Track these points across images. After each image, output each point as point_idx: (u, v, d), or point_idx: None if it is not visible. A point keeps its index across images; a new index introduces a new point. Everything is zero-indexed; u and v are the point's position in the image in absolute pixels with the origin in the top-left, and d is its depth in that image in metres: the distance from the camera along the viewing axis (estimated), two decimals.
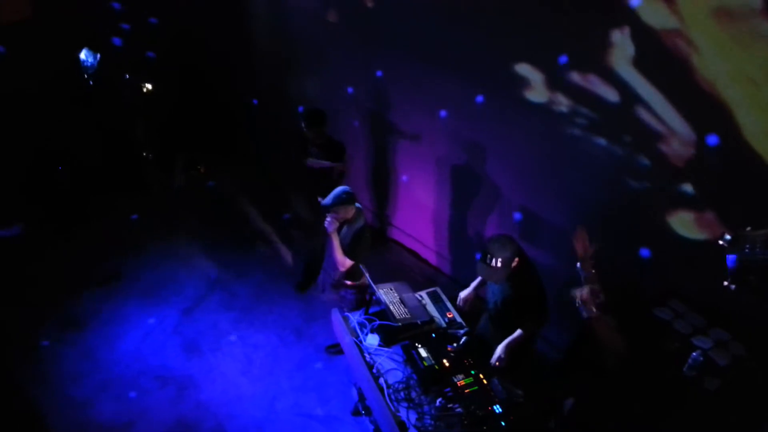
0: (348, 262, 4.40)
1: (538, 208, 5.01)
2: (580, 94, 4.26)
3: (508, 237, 3.79)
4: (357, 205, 4.40)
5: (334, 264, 4.54)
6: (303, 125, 5.25)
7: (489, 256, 3.64)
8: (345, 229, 4.43)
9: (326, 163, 5.32)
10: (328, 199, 4.26)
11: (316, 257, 5.95)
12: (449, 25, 4.98)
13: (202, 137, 7.82)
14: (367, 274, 4.24)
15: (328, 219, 4.29)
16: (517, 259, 3.71)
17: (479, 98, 5.02)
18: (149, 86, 6.99)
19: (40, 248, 6.21)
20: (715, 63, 3.50)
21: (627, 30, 3.82)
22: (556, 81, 4.38)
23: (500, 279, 3.80)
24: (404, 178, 6.21)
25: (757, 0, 3.23)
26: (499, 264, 3.63)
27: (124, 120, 6.99)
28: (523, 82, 4.59)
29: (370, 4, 5.66)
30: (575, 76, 4.23)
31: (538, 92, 4.54)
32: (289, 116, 7.06)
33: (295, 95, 7.06)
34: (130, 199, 7.04)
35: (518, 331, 3.90)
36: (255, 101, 7.57)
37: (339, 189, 4.31)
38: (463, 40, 4.92)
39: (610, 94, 4.06)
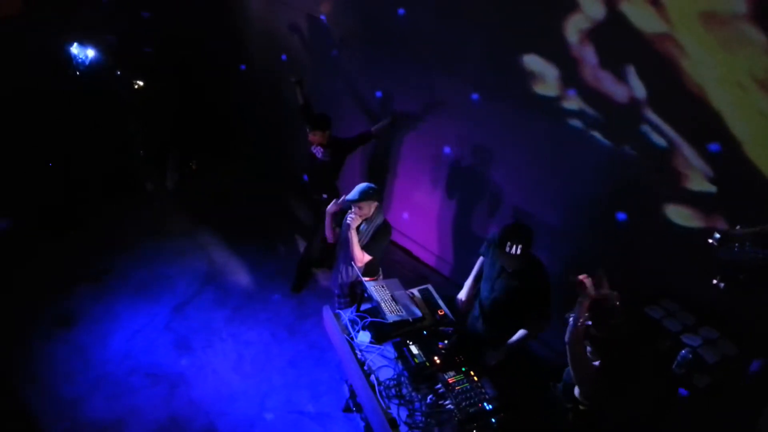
0: (367, 258, 4.33)
1: (533, 207, 5.02)
2: (586, 93, 4.25)
3: (523, 224, 3.78)
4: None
5: (349, 261, 4.46)
6: (308, 129, 5.39)
7: (509, 243, 3.59)
8: (363, 225, 4.36)
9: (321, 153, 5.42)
10: (353, 194, 4.18)
11: (309, 257, 5.96)
12: (447, 20, 4.98)
13: (195, 134, 7.79)
14: (359, 272, 4.24)
15: (351, 215, 4.22)
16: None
17: (475, 96, 5.02)
18: (141, 83, 6.95)
19: (31, 245, 6.18)
20: (704, 67, 3.52)
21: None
22: (565, 77, 4.34)
23: (518, 266, 3.76)
24: (404, 179, 6.22)
25: (741, 4, 3.25)
26: (519, 251, 3.59)
27: (116, 117, 6.95)
28: (527, 77, 4.53)
29: None
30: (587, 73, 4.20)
31: (545, 87, 4.49)
32: (284, 112, 7.07)
33: (290, 94, 7.04)
34: (123, 196, 7.02)
35: (520, 332, 3.89)
36: (243, 66, 7.59)
37: (364, 184, 4.24)
38: (463, 34, 4.90)
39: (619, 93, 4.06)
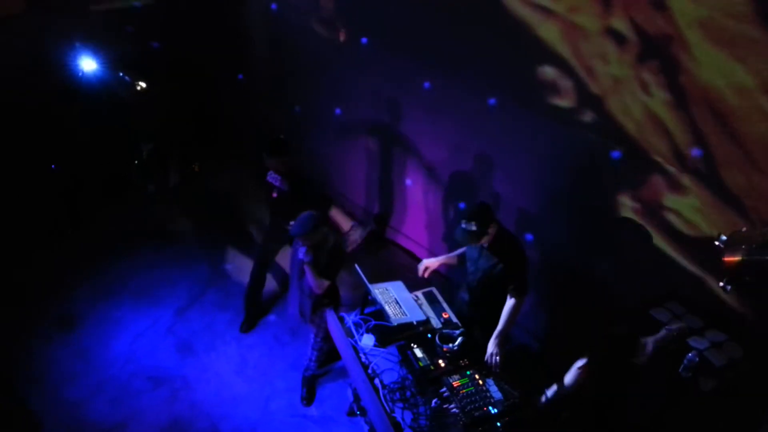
0: (326, 284, 4.25)
1: (540, 211, 4.99)
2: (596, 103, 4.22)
3: (484, 204, 4.03)
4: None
5: (304, 290, 4.42)
6: (264, 155, 4.90)
7: (464, 219, 3.86)
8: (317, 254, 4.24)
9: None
10: (298, 228, 4.02)
11: (255, 284, 5.60)
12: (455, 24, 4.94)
13: (198, 136, 7.78)
14: (362, 275, 4.21)
15: (303, 249, 4.09)
16: (495, 227, 3.94)
17: (491, 101, 4.94)
18: (143, 84, 6.94)
19: (32, 247, 6.15)
20: (709, 70, 3.49)
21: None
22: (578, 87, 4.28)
23: (474, 241, 3.95)
24: (408, 182, 6.18)
25: (745, 7, 3.22)
26: (473, 227, 3.81)
27: (119, 118, 6.93)
28: (537, 84, 4.47)
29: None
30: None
31: (559, 98, 4.43)
32: (285, 116, 7.07)
33: (291, 98, 7.04)
34: (125, 198, 7.01)
35: (502, 320, 3.94)
36: (240, 76, 7.55)
37: (304, 215, 4.07)
38: (472, 38, 4.83)
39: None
